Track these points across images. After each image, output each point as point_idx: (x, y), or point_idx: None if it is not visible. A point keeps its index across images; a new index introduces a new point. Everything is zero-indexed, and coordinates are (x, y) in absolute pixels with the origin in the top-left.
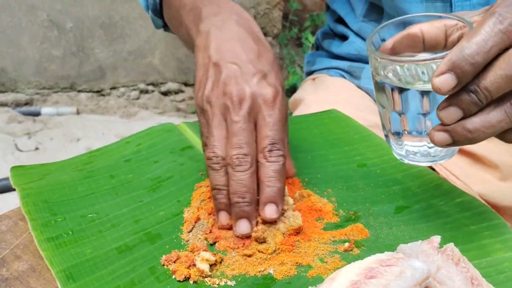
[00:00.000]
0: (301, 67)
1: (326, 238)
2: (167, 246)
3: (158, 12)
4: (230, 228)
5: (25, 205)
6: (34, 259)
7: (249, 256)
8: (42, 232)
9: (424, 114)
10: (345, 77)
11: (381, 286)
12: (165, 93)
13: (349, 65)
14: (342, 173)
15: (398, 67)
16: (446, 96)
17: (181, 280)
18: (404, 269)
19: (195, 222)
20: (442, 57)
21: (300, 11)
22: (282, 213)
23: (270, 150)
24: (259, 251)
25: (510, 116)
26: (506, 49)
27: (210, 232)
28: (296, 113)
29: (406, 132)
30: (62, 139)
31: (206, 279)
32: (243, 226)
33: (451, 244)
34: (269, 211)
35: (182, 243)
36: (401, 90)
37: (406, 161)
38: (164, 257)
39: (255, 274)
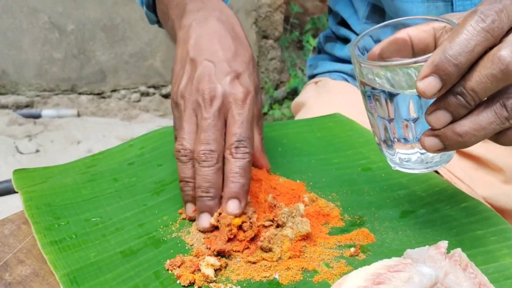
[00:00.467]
0: (302, 70)
1: (331, 243)
2: (172, 251)
3: (151, 6)
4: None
5: (28, 208)
6: (37, 264)
7: (254, 263)
8: (46, 236)
9: (414, 120)
10: (348, 81)
11: None
12: (166, 96)
13: (352, 68)
14: (347, 177)
15: (382, 72)
16: (434, 100)
17: (186, 285)
18: (412, 275)
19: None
20: (426, 60)
21: (301, 14)
22: (288, 218)
23: (237, 147)
24: (263, 259)
25: (500, 117)
26: (491, 48)
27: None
28: (299, 116)
29: (396, 139)
30: (62, 141)
31: (211, 284)
32: (204, 220)
33: (459, 250)
34: (232, 206)
35: (187, 247)
36: (388, 96)
37: (400, 169)
38: (168, 261)
39: (260, 279)
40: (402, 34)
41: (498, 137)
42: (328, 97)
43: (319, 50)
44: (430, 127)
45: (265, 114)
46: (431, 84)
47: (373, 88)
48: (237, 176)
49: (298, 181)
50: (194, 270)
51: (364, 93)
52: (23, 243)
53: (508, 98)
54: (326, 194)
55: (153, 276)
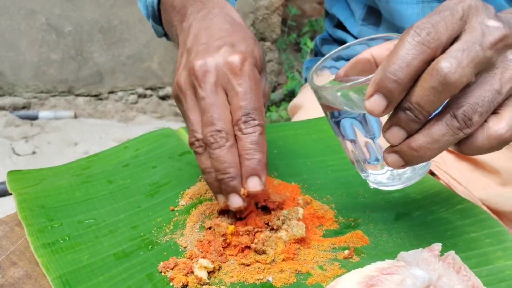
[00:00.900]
0: (299, 72)
1: (325, 245)
2: (165, 253)
3: (157, 19)
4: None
5: (22, 210)
6: (30, 266)
7: (247, 265)
8: (39, 238)
9: (374, 138)
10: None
11: None
12: (163, 98)
13: None
14: (342, 180)
15: (338, 95)
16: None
17: (179, 287)
18: (405, 278)
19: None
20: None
21: (298, 17)
22: (284, 220)
23: (245, 122)
24: (257, 261)
25: (452, 128)
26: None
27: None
28: (295, 118)
29: (366, 160)
30: (59, 143)
31: (204, 286)
32: (234, 201)
33: (452, 252)
34: (252, 184)
35: (180, 249)
36: (349, 117)
37: (378, 187)
38: (161, 263)
39: (254, 282)
40: (365, 54)
41: (459, 147)
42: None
43: (316, 53)
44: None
45: None
46: (376, 102)
47: (334, 111)
48: (252, 151)
49: (293, 183)
50: (187, 273)
51: (326, 117)
52: (16, 245)
53: (458, 108)
54: (321, 196)
55: (146, 278)
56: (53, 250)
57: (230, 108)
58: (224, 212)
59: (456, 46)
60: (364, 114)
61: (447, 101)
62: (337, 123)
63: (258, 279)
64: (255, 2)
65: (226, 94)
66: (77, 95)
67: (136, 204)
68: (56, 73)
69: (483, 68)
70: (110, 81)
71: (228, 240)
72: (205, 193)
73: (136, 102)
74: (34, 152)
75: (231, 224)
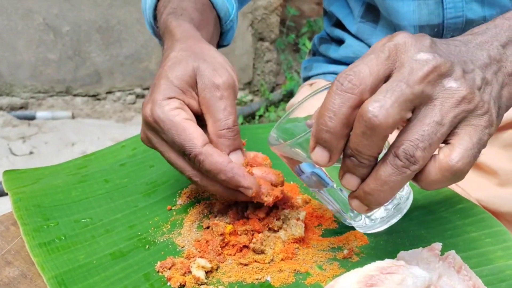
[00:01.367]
0: (298, 73)
1: (324, 245)
2: (162, 252)
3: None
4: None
5: (17, 209)
6: (26, 265)
7: (246, 265)
8: (34, 237)
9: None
10: None
11: None
12: None
13: None
14: None
15: (291, 150)
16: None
17: (176, 287)
18: (405, 277)
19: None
20: None
21: (297, 17)
22: (284, 221)
23: (188, 160)
24: (255, 261)
25: (397, 168)
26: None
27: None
28: None
29: (344, 212)
30: (57, 143)
31: (202, 286)
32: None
33: (453, 252)
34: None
35: (178, 249)
36: (314, 170)
37: (366, 231)
38: (159, 263)
39: (252, 282)
40: None
41: (417, 183)
42: (323, 99)
43: (314, 53)
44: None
45: (261, 116)
46: (319, 154)
47: (298, 165)
48: (214, 176)
49: (292, 182)
50: (185, 272)
51: (298, 176)
52: (11, 245)
53: (399, 146)
54: None
55: (143, 278)
56: (49, 249)
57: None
58: (222, 211)
59: (382, 87)
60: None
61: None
62: (308, 178)
63: (257, 279)
64: (253, 2)
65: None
66: (74, 95)
67: (133, 204)
68: (54, 73)
69: (418, 103)
70: (108, 81)
71: (226, 240)
72: (203, 192)
73: (134, 103)
74: (31, 152)
75: (229, 224)
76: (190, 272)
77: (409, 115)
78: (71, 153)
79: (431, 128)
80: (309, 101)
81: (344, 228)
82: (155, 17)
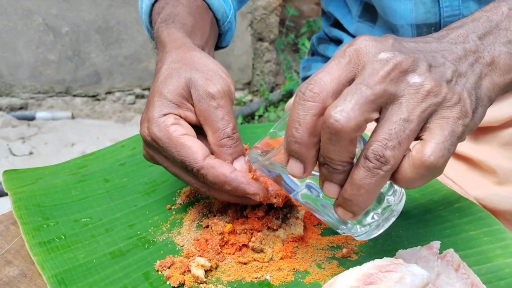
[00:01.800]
0: (297, 73)
1: (324, 244)
2: (162, 251)
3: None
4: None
5: (17, 209)
6: (25, 264)
7: (245, 264)
8: (34, 237)
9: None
10: None
11: None
12: None
13: None
14: None
15: (269, 164)
16: None
17: (176, 286)
18: (404, 275)
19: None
20: None
21: (296, 17)
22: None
23: (192, 175)
24: (255, 260)
25: (369, 170)
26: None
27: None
28: None
29: (335, 222)
30: (56, 143)
31: (201, 285)
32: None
33: (451, 250)
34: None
35: (177, 248)
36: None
37: (366, 238)
38: (158, 262)
39: (251, 280)
40: None
41: (395, 182)
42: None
43: (313, 53)
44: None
45: (260, 116)
46: (293, 166)
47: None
48: (217, 187)
49: None
50: (184, 271)
51: (287, 191)
52: (11, 244)
53: (368, 148)
54: None
55: (143, 277)
56: (49, 248)
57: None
58: (222, 210)
59: (343, 92)
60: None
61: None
62: (298, 194)
63: (256, 278)
64: (252, 3)
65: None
66: (74, 95)
67: (132, 203)
68: (53, 73)
69: (384, 102)
70: (108, 81)
71: (225, 239)
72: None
73: (133, 103)
74: (31, 153)
75: (228, 223)
76: (189, 271)
77: (375, 116)
78: (71, 153)
79: (398, 126)
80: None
81: None
82: (151, 22)
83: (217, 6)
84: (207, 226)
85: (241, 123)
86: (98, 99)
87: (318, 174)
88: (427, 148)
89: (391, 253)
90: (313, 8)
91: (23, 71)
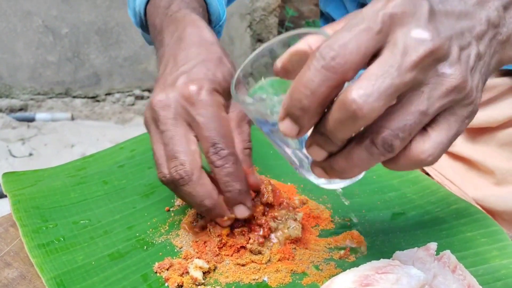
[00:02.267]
0: None
1: (321, 245)
2: (160, 253)
3: (146, 28)
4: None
5: (16, 211)
6: (25, 266)
7: (243, 265)
8: (33, 239)
9: (302, 149)
10: None
11: None
12: None
13: None
14: None
15: (253, 107)
16: None
17: None
18: (400, 277)
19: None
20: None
21: (296, 18)
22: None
23: (214, 153)
24: (252, 261)
25: (373, 154)
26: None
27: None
28: None
29: (297, 165)
30: (56, 145)
31: (199, 287)
32: (224, 223)
33: (448, 251)
34: (240, 212)
35: (176, 250)
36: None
37: (323, 186)
38: (157, 264)
39: (249, 282)
40: (302, 45)
41: (382, 163)
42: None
43: None
44: None
45: None
46: (288, 127)
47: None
48: (229, 183)
49: (289, 183)
50: (183, 273)
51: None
52: (10, 246)
53: (378, 134)
54: (316, 197)
55: (141, 279)
56: (48, 250)
57: (196, 141)
58: None
59: (370, 70)
60: None
61: None
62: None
63: (254, 279)
64: (252, 4)
65: (191, 127)
66: (74, 97)
67: (131, 205)
68: (53, 75)
69: (407, 90)
70: (107, 82)
71: (223, 241)
72: None
73: (133, 104)
74: (30, 154)
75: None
76: (187, 272)
77: (394, 102)
78: (71, 154)
79: (415, 118)
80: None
81: (341, 229)
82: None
83: (214, 7)
84: (204, 228)
85: None
86: (97, 100)
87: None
88: (428, 145)
89: (388, 255)
90: (312, 9)
91: (23, 72)
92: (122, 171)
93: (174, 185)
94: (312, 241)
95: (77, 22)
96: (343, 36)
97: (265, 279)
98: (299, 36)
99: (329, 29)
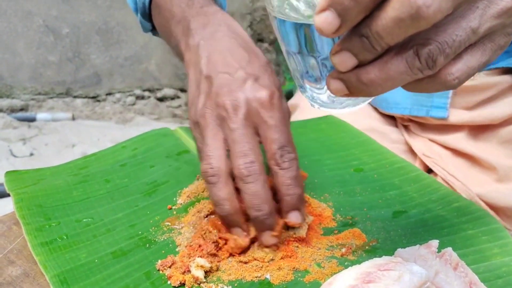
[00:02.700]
0: None
1: (323, 243)
2: (163, 251)
3: (147, 15)
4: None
5: (19, 209)
6: (28, 264)
7: (246, 263)
8: (36, 237)
9: (320, 57)
10: None
11: None
12: (161, 99)
13: None
14: (339, 178)
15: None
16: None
17: (176, 285)
18: (402, 274)
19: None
20: None
21: None
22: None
23: (281, 155)
24: (255, 259)
25: (412, 68)
26: None
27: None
28: (293, 118)
29: (307, 75)
30: (57, 144)
31: (201, 285)
32: (268, 239)
33: (449, 249)
34: (294, 217)
35: (178, 248)
36: (295, 27)
37: (316, 106)
38: (159, 262)
39: (251, 279)
40: None
41: (407, 85)
42: None
43: None
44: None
45: None
46: (327, 20)
47: (281, 19)
48: (291, 186)
49: None
50: (185, 271)
51: (273, 22)
52: (13, 244)
53: (424, 46)
54: (318, 195)
55: (144, 276)
56: (51, 248)
57: (262, 143)
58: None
59: None
60: (311, 26)
61: None
62: (284, 29)
63: (256, 277)
64: (252, 4)
65: (256, 129)
66: (74, 96)
67: (133, 203)
68: (54, 75)
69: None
70: (108, 82)
71: (220, 245)
72: (202, 192)
73: (134, 104)
74: (31, 154)
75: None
76: (189, 271)
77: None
78: (72, 154)
79: (465, 34)
80: None
81: (343, 227)
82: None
83: (220, 0)
84: (207, 216)
85: None
86: (98, 100)
87: None
88: (457, 67)
89: (390, 253)
90: None
91: (24, 72)
92: (124, 170)
93: (219, 178)
94: (314, 239)
95: (78, 22)
96: None
97: (268, 276)
98: None
99: None
